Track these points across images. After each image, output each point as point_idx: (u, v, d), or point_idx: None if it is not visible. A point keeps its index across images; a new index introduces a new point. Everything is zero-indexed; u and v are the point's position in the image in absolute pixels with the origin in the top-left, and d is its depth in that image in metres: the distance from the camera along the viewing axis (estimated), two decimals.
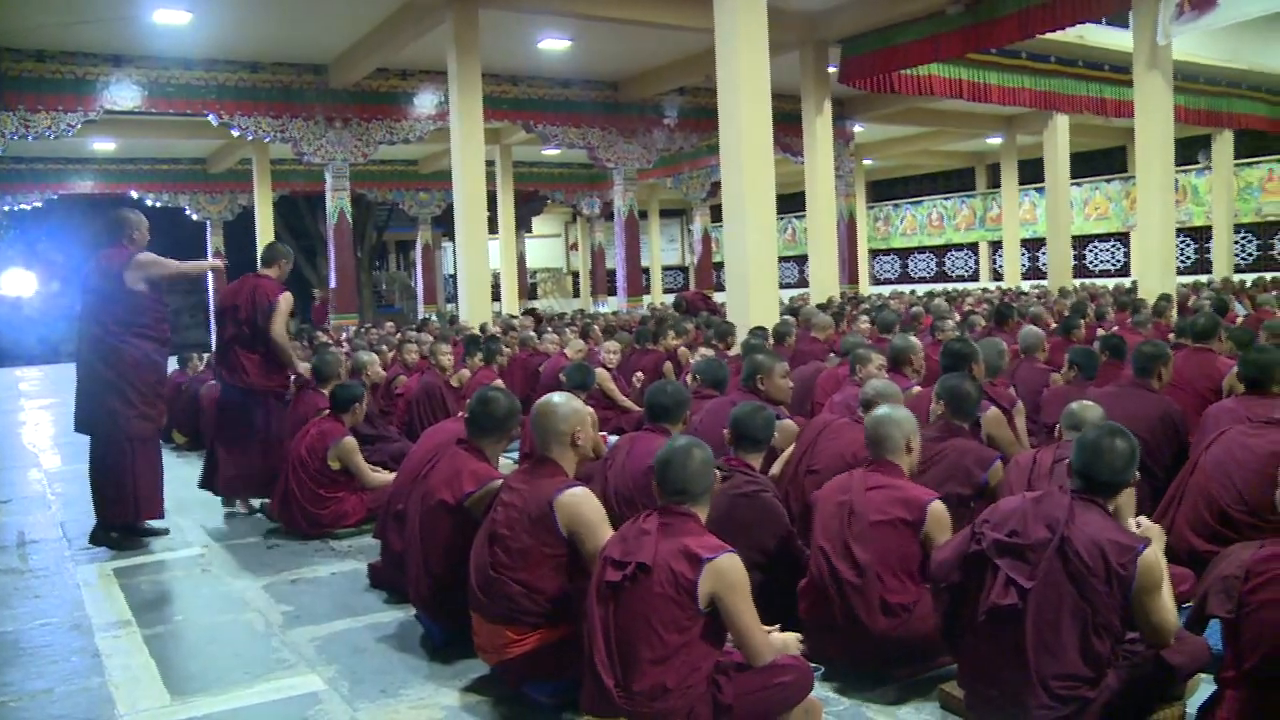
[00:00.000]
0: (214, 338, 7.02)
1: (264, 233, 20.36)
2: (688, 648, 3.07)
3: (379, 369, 9.19)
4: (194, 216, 23.55)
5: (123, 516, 6.45)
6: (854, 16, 14.80)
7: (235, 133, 16.26)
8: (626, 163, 19.36)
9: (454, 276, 18.42)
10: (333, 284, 17.16)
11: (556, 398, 3.95)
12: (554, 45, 15.67)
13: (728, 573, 3.08)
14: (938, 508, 3.80)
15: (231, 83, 15.37)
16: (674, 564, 3.08)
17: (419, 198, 25.54)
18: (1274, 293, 14.15)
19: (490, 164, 21.17)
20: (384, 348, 11.32)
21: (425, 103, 16.81)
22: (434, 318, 19.56)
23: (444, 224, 25.24)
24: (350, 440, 6.63)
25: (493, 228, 21.40)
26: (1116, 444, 3.23)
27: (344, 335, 14.96)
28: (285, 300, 7.06)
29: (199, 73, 15.07)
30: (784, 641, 3.35)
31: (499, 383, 6.50)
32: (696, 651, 3.09)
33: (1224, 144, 22.75)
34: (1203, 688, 3.35)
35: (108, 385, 6.27)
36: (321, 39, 14.90)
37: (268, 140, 16.30)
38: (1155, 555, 3.10)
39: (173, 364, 8.40)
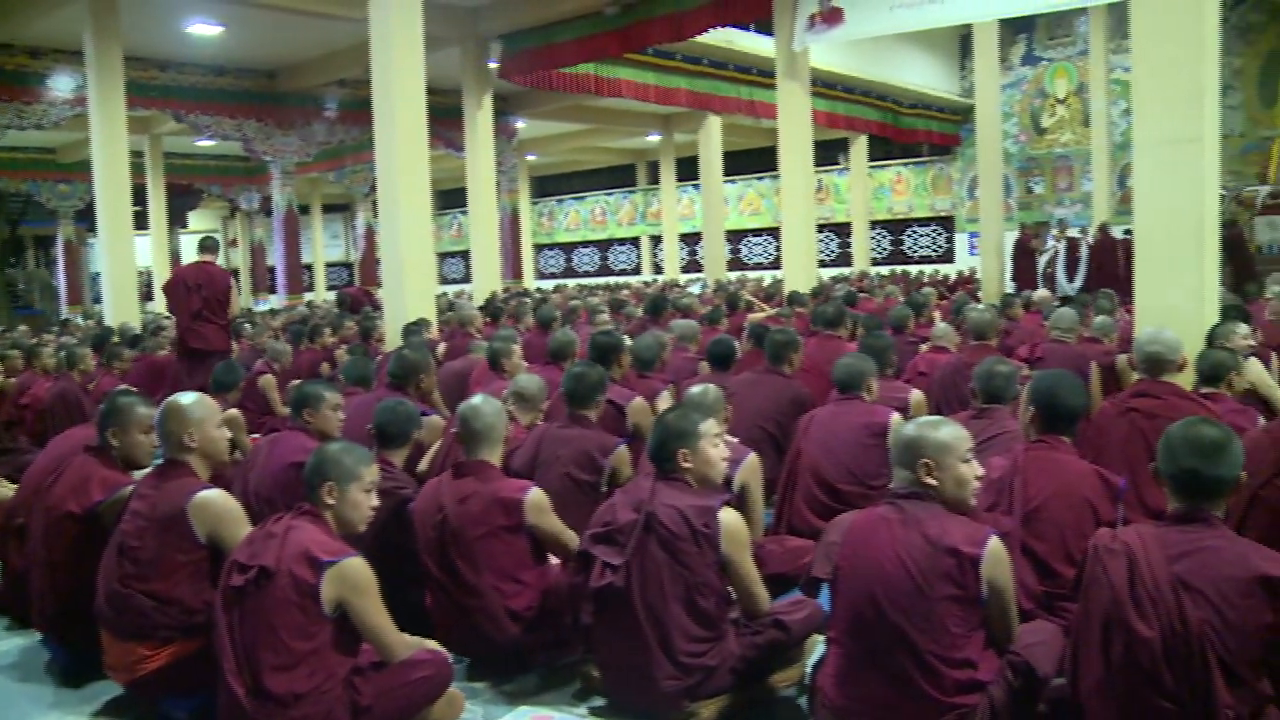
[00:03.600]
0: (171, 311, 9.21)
1: None
2: (317, 654, 3.02)
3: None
4: None
5: None
6: (513, 13, 14.86)
7: None
8: (284, 156, 18.69)
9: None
10: None
11: (184, 398, 3.79)
12: (205, 30, 14.88)
13: (351, 576, 3.05)
14: (534, 496, 3.81)
15: None
16: (295, 568, 3.01)
17: (58, 189, 23.58)
18: (898, 285, 15.44)
19: (138, 154, 19.85)
20: (15, 352, 10.44)
21: (60, 85, 15.38)
22: (78, 319, 18.23)
23: (89, 218, 23.49)
24: None
25: (143, 223, 20.16)
26: (669, 421, 3.49)
27: None
28: (233, 282, 8.99)
29: None
30: (420, 639, 3.35)
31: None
32: (329, 657, 3.04)
33: (859, 147, 24.43)
34: (820, 648, 3.56)
35: None
36: None
37: None
38: (735, 515, 3.37)
39: None
